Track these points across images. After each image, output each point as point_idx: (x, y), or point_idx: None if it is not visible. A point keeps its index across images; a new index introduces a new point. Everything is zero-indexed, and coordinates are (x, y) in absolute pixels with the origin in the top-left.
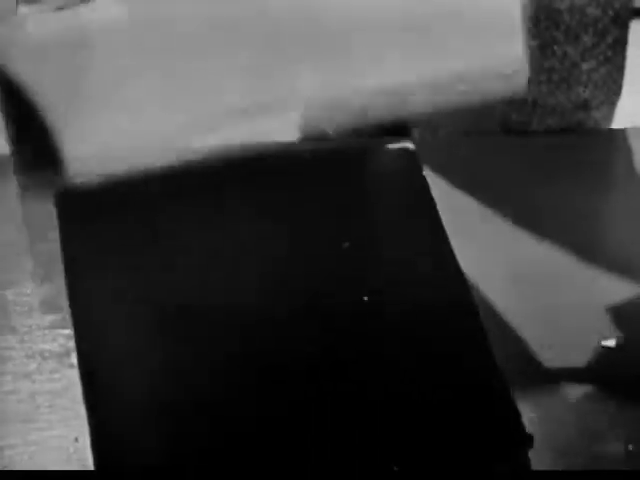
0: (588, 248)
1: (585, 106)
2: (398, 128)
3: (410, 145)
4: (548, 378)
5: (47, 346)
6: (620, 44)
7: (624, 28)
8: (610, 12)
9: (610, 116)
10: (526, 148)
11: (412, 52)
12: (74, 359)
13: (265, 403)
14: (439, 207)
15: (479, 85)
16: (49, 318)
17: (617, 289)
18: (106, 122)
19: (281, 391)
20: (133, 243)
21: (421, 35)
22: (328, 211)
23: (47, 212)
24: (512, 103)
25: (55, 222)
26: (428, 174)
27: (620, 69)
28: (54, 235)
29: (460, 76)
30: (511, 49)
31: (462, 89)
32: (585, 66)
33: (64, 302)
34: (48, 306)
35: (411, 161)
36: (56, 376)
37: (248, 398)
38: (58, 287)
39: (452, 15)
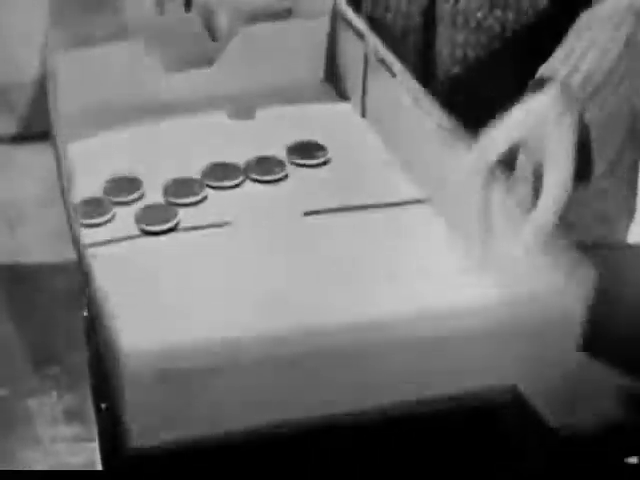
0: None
1: (605, 220)
2: None
3: None
4: None
5: (72, 460)
6: (635, 161)
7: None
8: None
9: (628, 229)
10: None
11: None
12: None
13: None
14: None
15: None
16: (74, 430)
17: None
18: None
19: None
20: None
21: None
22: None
23: (74, 319)
24: None
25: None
26: None
27: (634, 184)
28: (80, 343)
29: None
30: None
31: None
32: (604, 184)
33: (89, 411)
34: (72, 416)
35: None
36: None
37: None
38: (82, 396)
39: None
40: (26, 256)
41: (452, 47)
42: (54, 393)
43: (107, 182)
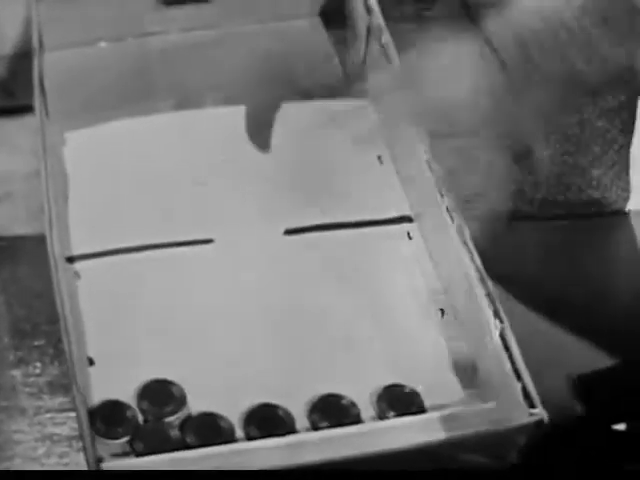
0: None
1: (597, 204)
2: None
3: None
4: None
5: (57, 430)
6: (625, 148)
7: (629, 135)
8: (618, 124)
9: (624, 207)
10: (534, 232)
11: None
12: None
13: None
14: None
15: None
16: (58, 400)
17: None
18: None
19: None
20: None
21: None
22: None
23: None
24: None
25: None
26: None
27: (626, 169)
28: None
29: None
30: None
31: None
32: (595, 172)
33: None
34: (57, 387)
35: None
36: (65, 461)
37: None
38: (66, 367)
39: None
40: (10, 229)
41: None
42: (38, 364)
43: None
